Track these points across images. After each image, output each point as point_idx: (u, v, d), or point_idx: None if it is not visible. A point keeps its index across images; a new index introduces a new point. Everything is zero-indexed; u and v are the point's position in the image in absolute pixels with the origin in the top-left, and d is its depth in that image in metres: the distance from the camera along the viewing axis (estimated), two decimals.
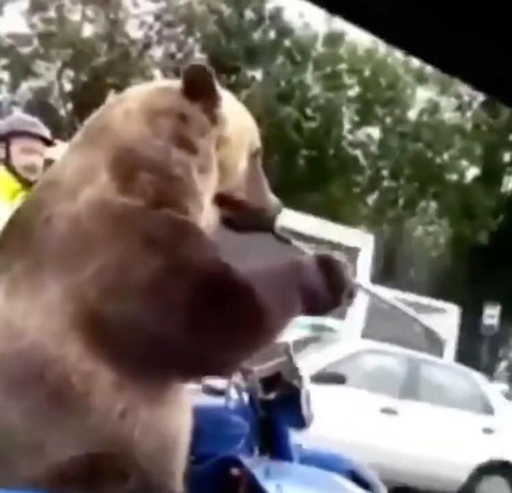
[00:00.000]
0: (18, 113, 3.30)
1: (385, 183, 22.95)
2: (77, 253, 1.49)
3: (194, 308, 1.45)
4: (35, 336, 1.46)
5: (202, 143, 1.67)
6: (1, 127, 2.87)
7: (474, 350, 18.89)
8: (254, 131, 1.89)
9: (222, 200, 1.78)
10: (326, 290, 1.66)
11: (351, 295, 1.74)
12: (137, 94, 1.74)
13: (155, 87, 1.76)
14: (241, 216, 1.85)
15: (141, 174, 1.56)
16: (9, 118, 3.02)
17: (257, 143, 1.88)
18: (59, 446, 1.42)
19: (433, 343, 2.08)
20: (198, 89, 1.67)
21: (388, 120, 22.70)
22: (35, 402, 1.43)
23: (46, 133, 3.15)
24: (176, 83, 1.71)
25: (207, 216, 1.72)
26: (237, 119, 1.78)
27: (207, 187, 1.68)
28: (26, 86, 20.50)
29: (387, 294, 1.94)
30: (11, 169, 2.82)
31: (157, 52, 21.75)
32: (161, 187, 1.56)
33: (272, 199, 1.92)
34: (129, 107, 1.66)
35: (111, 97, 1.79)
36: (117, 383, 1.45)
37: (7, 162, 2.86)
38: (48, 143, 3.10)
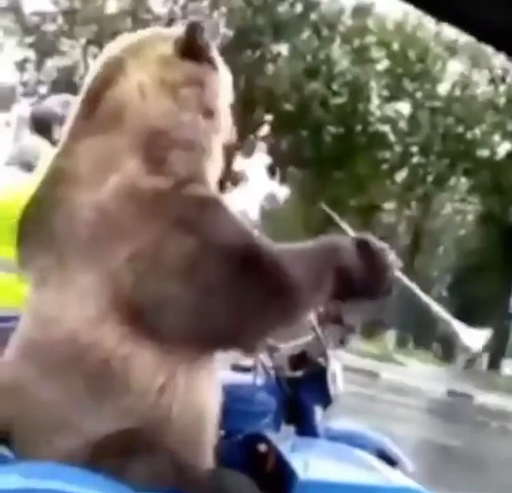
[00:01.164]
0: (66, 96, 3.21)
1: (414, 159, 22.59)
2: (108, 240, 1.49)
3: (228, 284, 1.47)
4: (71, 324, 1.48)
5: (218, 104, 1.67)
6: (56, 107, 2.81)
7: (503, 329, 18.70)
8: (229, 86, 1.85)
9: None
10: (362, 273, 1.59)
11: (390, 284, 1.64)
12: (142, 68, 1.65)
13: (156, 55, 1.67)
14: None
15: (174, 153, 1.55)
16: (62, 99, 2.92)
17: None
18: (97, 422, 1.46)
19: (462, 351, 2.01)
20: (200, 49, 1.65)
21: (418, 94, 22.25)
22: (73, 383, 1.47)
23: None
24: (169, 43, 1.65)
25: (219, 167, 1.72)
26: (225, 76, 1.76)
27: (219, 145, 1.69)
28: (51, 65, 20.54)
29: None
30: None
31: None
32: (192, 163, 1.57)
33: None
34: (140, 84, 1.61)
35: (96, 67, 1.68)
36: (155, 361, 1.48)
37: None
38: None
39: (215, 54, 1.70)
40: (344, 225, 1.90)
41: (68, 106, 2.80)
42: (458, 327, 1.71)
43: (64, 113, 2.74)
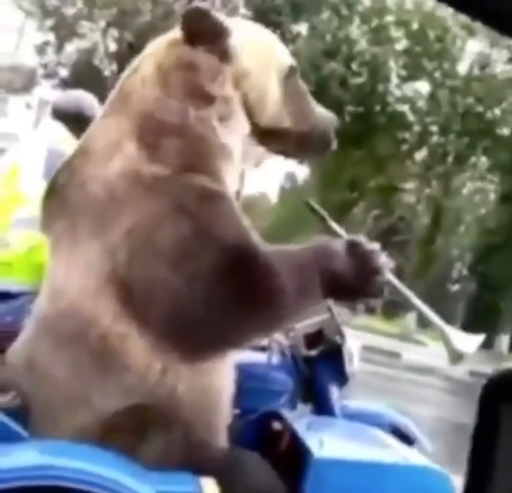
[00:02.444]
0: (84, 93, 3.18)
1: (434, 138, 22.32)
2: (110, 214, 1.52)
3: (214, 278, 1.45)
4: (74, 295, 1.50)
5: (217, 88, 1.60)
6: (72, 104, 2.80)
7: None
8: (278, 51, 1.75)
9: (267, 134, 1.70)
10: (352, 276, 1.57)
11: (380, 286, 1.62)
12: (150, 53, 1.68)
13: (164, 43, 1.69)
14: (293, 143, 1.75)
15: (165, 140, 1.55)
16: (82, 98, 2.92)
17: (286, 62, 1.74)
18: (104, 398, 1.47)
19: (454, 358, 1.98)
20: (200, 31, 1.59)
21: (437, 74, 21.93)
22: (79, 358, 1.48)
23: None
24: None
25: (242, 160, 1.67)
26: (253, 47, 1.67)
27: (233, 135, 1.63)
28: (71, 48, 20.58)
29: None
30: None
31: None
32: (186, 151, 1.55)
33: (321, 114, 1.78)
34: (145, 71, 1.63)
35: (134, 61, 1.74)
36: (152, 345, 1.48)
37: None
38: None
39: (227, 36, 1.61)
40: (334, 225, 1.86)
41: (82, 101, 2.81)
42: (450, 332, 1.68)
43: (79, 108, 2.75)
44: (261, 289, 1.48)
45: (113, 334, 1.47)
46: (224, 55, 1.61)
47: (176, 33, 1.67)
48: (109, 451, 1.40)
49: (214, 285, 1.44)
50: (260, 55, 1.67)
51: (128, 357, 1.47)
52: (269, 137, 1.70)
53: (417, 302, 1.70)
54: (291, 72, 1.74)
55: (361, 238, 1.64)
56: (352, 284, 1.58)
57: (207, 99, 1.59)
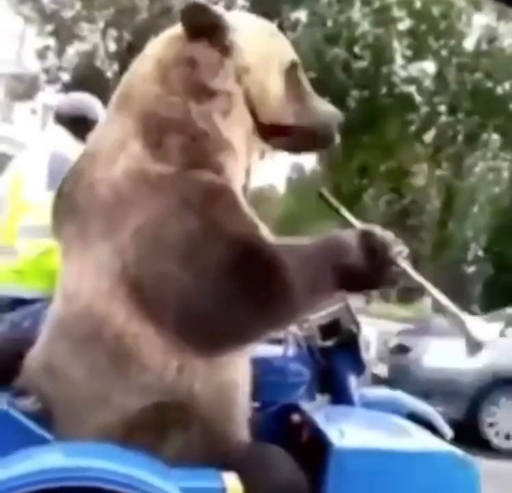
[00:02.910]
0: (87, 96, 3.18)
1: (442, 118, 22.10)
2: (118, 215, 1.52)
3: (222, 273, 1.44)
4: (87, 297, 1.51)
5: (218, 82, 1.59)
6: (74, 108, 2.81)
7: None
8: (280, 46, 1.74)
9: (269, 130, 1.68)
10: (365, 267, 1.56)
11: (393, 276, 1.61)
12: (151, 51, 1.68)
13: (162, 40, 1.68)
14: (297, 139, 1.74)
15: (167, 138, 1.55)
16: (84, 101, 2.92)
17: (289, 57, 1.72)
18: (124, 397, 1.49)
19: (472, 349, 1.95)
20: (199, 26, 1.58)
21: (443, 52, 21.66)
22: (96, 359, 1.50)
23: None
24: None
25: (247, 155, 1.66)
26: (254, 42, 1.66)
27: (236, 129, 1.62)
28: (72, 51, 20.60)
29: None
30: None
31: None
32: (189, 147, 1.54)
33: (325, 110, 1.77)
34: (145, 69, 1.63)
35: (134, 61, 1.75)
36: (167, 343, 1.49)
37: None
38: None
39: (227, 31, 1.60)
40: (347, 214, 1.84)
41: (85, 105, 2.83)
42: (467, 320, 1.66)
43: (79, 112, 2.76)
44: (268, 283, 1.47)
45: (127, 334, 1.48)
46: (225, 49, 1.60)
47: (175, 29, 1.67)
48: (132, 450, 1.42)
49: (223, 280, 1.45)
50: (261, 49, 1.66)
51: (144, 356, 1.49)
52: (271, 133, 1.69)
53: (432, 290, 1.69)
54: (292, 66, 1.73)
55: (375, 228, 1.63)
56: (365, 276, 1.58)
57: (207, 94, 1.58)
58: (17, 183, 2.51)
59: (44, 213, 2.34)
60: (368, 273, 1.57)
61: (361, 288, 1.65)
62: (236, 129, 1.62)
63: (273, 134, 1.70)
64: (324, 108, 1.78)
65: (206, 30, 1.58)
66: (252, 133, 1.67)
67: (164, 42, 1.66)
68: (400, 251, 1.61)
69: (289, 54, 1.74)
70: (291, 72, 1.71)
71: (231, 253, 1.46)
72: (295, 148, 1.83)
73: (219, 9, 1.63)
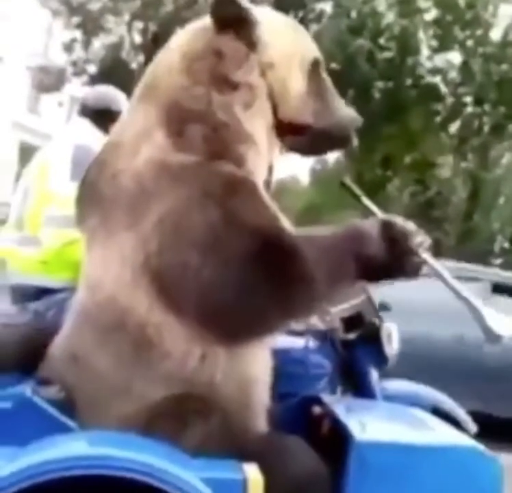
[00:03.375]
0: (111, 89, 3.23)
1: (468, 109, 21.81)
2: (141, 205, 1.54)
3: (243, 262, 1.46)
4: (111, 286, 1.53)
5: (241, 75, 1.60)
6: (99, 100, 2.84)
7: None
8: (304, 44, 1.74)
9: (286, 127, 1.69)
10: (386, 258, 1.56)
11: (415, 267, 1.61)
12: (177, 42, 1.70)
13: (191, 31, 1.70)
14: (313, 139, 1.74)
15: (189, 127, 1.56)
16: (109, 94, 2.95)
17: (312, 55, 1.73)
18: (146, 386, 1.50)
19: (491, 340, 1.92)
20: (228, 19, 1.60)
21: (469, 42, 21.35)
22: (119, 348, 1.52)
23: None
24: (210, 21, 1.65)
25: (266, 149, 1.66)
26: (279, 38, 1.67)
27: (257, 122, 1.62)
28: (98, 44, 20.70)
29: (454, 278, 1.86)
30: None
31: None
32: (210, 138, 1.55)
33: (345, 113, 1.76)
34: (171, 60, 1.65)
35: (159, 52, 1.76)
36: (189, 332, 1.50)
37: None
38: None
39: (254, 25, 1.62)
40: (369, 204, 1.83)
41: (110, 97, 2.84)
42: (487, 313, 1.64)
43: (101, 104, 2.77)
44: (288, 272, 1.48)
45: (150, 323, 1.50)
46: (251, 43, 1.61)
47: (202, 22, 1.69)
48: (153, 439, 1.43)
49: (243, 269, 1.46)
50: (285, 46, 1.67)
51: (166, 345, 1.50)
52: (288, 131, 1.70)
53: (452, 281, 1.67)
54: (315, 64, 1.73)
55: (396, 218, 1.63)
56: (387, 266, 1.58)
57: (230, 85, 1.59)
58: (43, 173, 2.54)
59: (67, 204, 2.37)
60: (389, 263, 1.57)
61: (381, 278, 1.65)
62: (257, 122, 1.62)
63: (290, 132, 1.70)
64: (344, 111, 1.78)
65: (234, 23, 1.60)
66: (271, 128, 1.67)
67: (191, 34, 1.68)
68: (421, 241, 1.60)
69: (313, 52, 1.75)
70: (313, 70, 1.72)
71: (252, 243, 1.46)
72: (309, 149, 1.82)
73: (247, 3, 1.63)
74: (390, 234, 1.57)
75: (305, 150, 1.83)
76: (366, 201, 1.82)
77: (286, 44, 1.68)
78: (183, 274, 1.48)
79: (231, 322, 1.50)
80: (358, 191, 1.84)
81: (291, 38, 1.72)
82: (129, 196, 1.56)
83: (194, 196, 1.50)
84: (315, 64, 1.73)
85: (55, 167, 2.50)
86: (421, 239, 1.61)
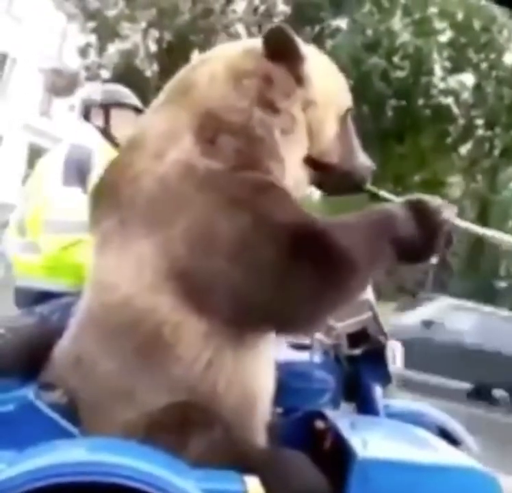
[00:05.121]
0: (112, 84, 3.31)
1: (479, 132, 21.87)
2: (166, 210, 1.53)
3: (279, 264, 1.46)
4: (126, 289, 1.52)
5: (286, 104, 1.65)
6: (96, 94, 2.86)
7: None
8: (343, 90, 1.84)
9: (313, 163, 1.76)
10: (420, 237, 1.60)
11: (449, 239, 1.65)
12: (221, 55, 1.73)
13: (240, 49, 1.74)
14: (332, 178, 1.82)
15: (223, 138, 1.56)
16: (105, 87, 3.01)
17: (347, 103, 1.83)
18: (149, 393, 1.50)
19: None
20: (281, 51, 1.66)
21: (483, 65, 21.44)
22: (127, 351, 1.51)
23: (139, 103, 3.18)
24: (260, 44, 1.69)
25: (295, 178, 1.69)
26: (323, 80, 1.74)
27: (291, 149, 1.66)
28: (113, 49, 20.84)
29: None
30: (111, 138, 2.81)
31: (240, 6, 21.41)
32: (242, 150, 1.56)
33: (364, 160, 1.86)
34: (214, 69, 1.67)
35: (195, 58, 1.79)
36: (205, 333, 1.50)
37: (106, 131, 2.84)
38: (140, 112, 3.12)
39: (304, 63, 1.68)
40: (390, 196, 1.86)
41: (107, 92, 2.88)
42: None
43: (102, 98, 2.80)
44: (328, 264, 1.49)
45: (169, 323, 1.50)
46: (300, 79, 1.68)
47: (253, 42, 1.74)
48: (154, 448, 1.42)
49: (277, 270, 1.46)
50: (328, 90, 1.75)
51: (178, 346, 1.50)
52: (314, 167, 1.76)
53: (489, 232, 1.73)
54: (347, 112, 1.82)
55: (420, 196, 1.67)
56: (420, 245, 1.61)
57: (273, 109, 1.64)
58: (40, 177, 2.54)
59: (61, 209, 2.38)
60: (423, 240, 1.61)
61: (421, 256, 1.66)
62: (292, 149, 1.67)
63: (315, 168, 1.76)
64: (362, 158, 1.86)
65: (286, 56, 1.66)
66: (302, 161, 1.72)
67: (240, 51, 1.72)
68: (451, 211, 1.66)
69: (348, 100, 1.84)
70: (345, 118, 1.81)
71: (286, 240, 1.47)
72: (328, 187, 1.89)
73: (300, 40, 1.69)
74: (417, 213, 1.61)
75: (324, 188, 1.89)
76: (385, 194, 1.86)
77: (328, 86, 1.76)
78: (215, 279, 1.48)
79: (283, 316, 1.52)
80: (376, 189, 1.90)
81: (333, 82, 1.81)
82: (152, 199, 1.55)
83: (222, 202, 1.50)
84: (347, 112, 1.82)
85: (50, 171, 2.50)
86: (447, 211, 1.65)
